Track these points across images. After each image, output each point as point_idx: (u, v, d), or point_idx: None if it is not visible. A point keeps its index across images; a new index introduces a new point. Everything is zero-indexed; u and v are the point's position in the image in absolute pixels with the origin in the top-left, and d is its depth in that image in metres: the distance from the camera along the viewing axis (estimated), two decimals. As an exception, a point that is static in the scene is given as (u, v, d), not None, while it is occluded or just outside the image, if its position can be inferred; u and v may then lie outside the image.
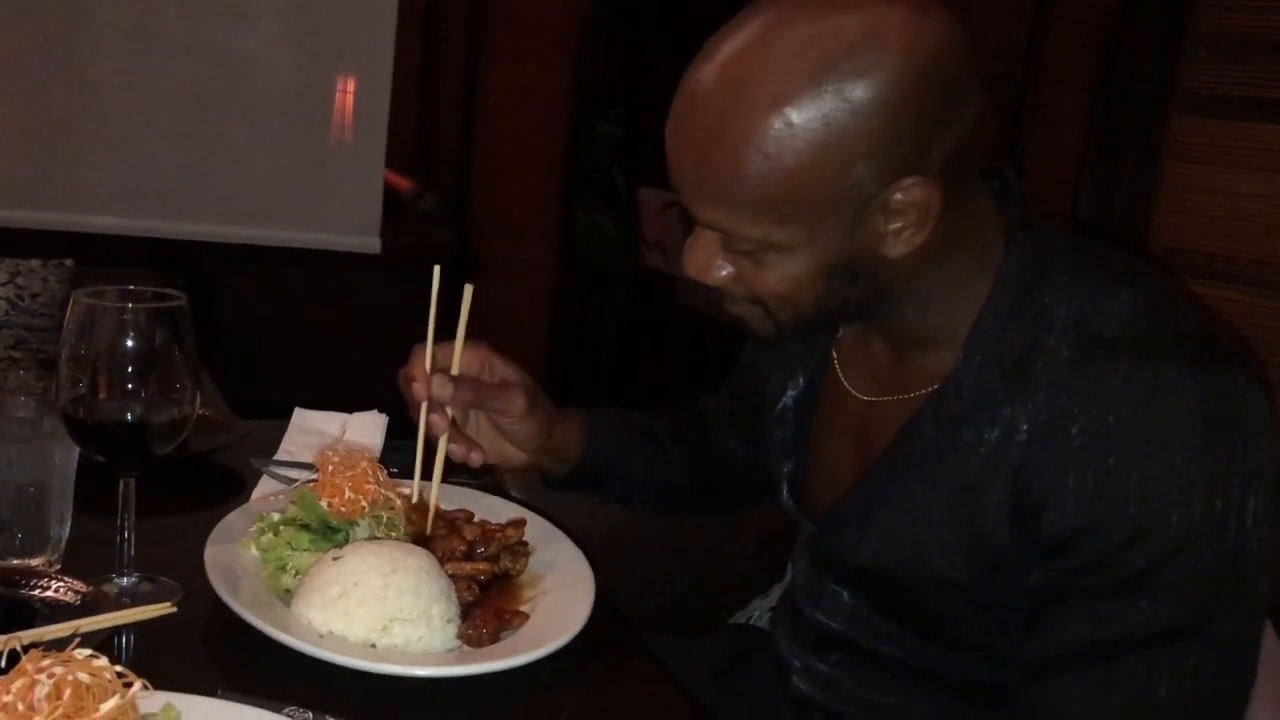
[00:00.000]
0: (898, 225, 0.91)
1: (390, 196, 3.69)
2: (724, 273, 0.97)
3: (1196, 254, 2.32)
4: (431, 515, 1.13)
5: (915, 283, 0.97)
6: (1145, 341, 0.90)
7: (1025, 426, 0.93)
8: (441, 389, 1.10)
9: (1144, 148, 2.37)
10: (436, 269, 1.11)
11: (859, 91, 0.85)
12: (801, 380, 1.19)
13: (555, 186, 4.22)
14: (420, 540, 1.09)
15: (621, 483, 1.33)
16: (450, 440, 1.13)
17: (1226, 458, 0.87)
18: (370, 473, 1.10)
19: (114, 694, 0.66)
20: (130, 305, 0.98)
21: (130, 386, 0.98)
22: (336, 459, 1.11)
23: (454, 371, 1.13)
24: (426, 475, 1.15)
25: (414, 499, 1.14)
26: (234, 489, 1.30)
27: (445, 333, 1.14)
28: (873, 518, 1.05)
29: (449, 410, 1.12)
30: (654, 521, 1.68)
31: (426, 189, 4.07)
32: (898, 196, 0.89)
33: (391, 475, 1.28)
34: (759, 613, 1.70)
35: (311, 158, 3.40)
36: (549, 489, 1.31)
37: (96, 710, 0.64)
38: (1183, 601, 0.87)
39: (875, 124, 0.85)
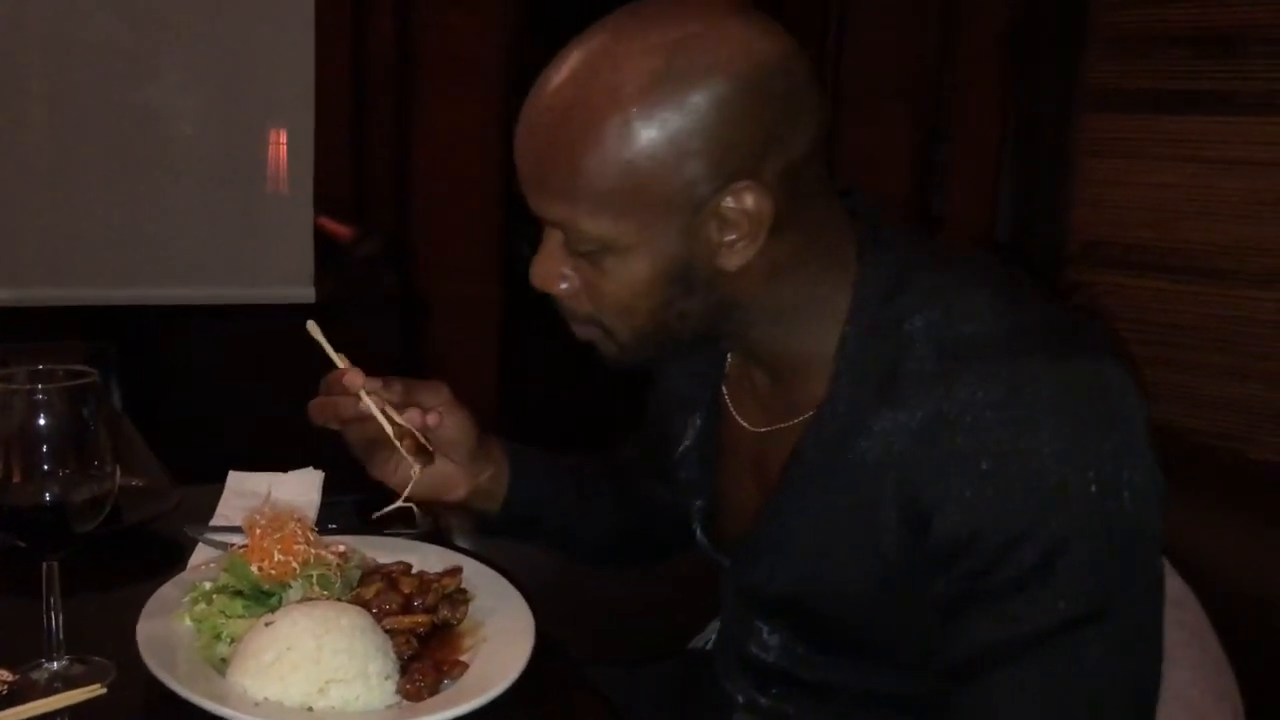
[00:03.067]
0: (731, 237, 0.93)
1: (329, 244, 3.66)
2: (566, 284, 0.99)
3: (1115, 245, 2.37)
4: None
5: (765, 300, 0.99)
6: (1000, 340, 0.92)
7: (901, 439, 0.94)
8: (370, 381, 1.09)
9: (1056, 145, 2.42)
10: (311, 323, 1.12)
11: (695, 93, 0.88)
12: (698, 419, 1.20)
13: (496, 222, 4.21)
14: (356, 598, 1.09)
15: (556, 524, 1.32)
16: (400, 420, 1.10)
17: (1096, 440, 0.89)
18: (299, 533, 1.10)
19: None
20: (40, 386, 0.97)
21: (46, 468, 0.96)
22: (264, 522, 1.10)
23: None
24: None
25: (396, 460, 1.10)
26: (170, 560, 1.28)
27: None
28: (779, 547, 1.06)
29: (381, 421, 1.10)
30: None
31: (366, 233, 4.05)
32: (729, 202, 0.91)
33: (329, 531, 1.27)
34: (714, 637, 1.70)
35: (240, 213, 3.38)
36: (486, 534, 1.31)
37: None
38: (1080, 589, 0.89)
39: (709, 124, 0.89)
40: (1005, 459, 0.89)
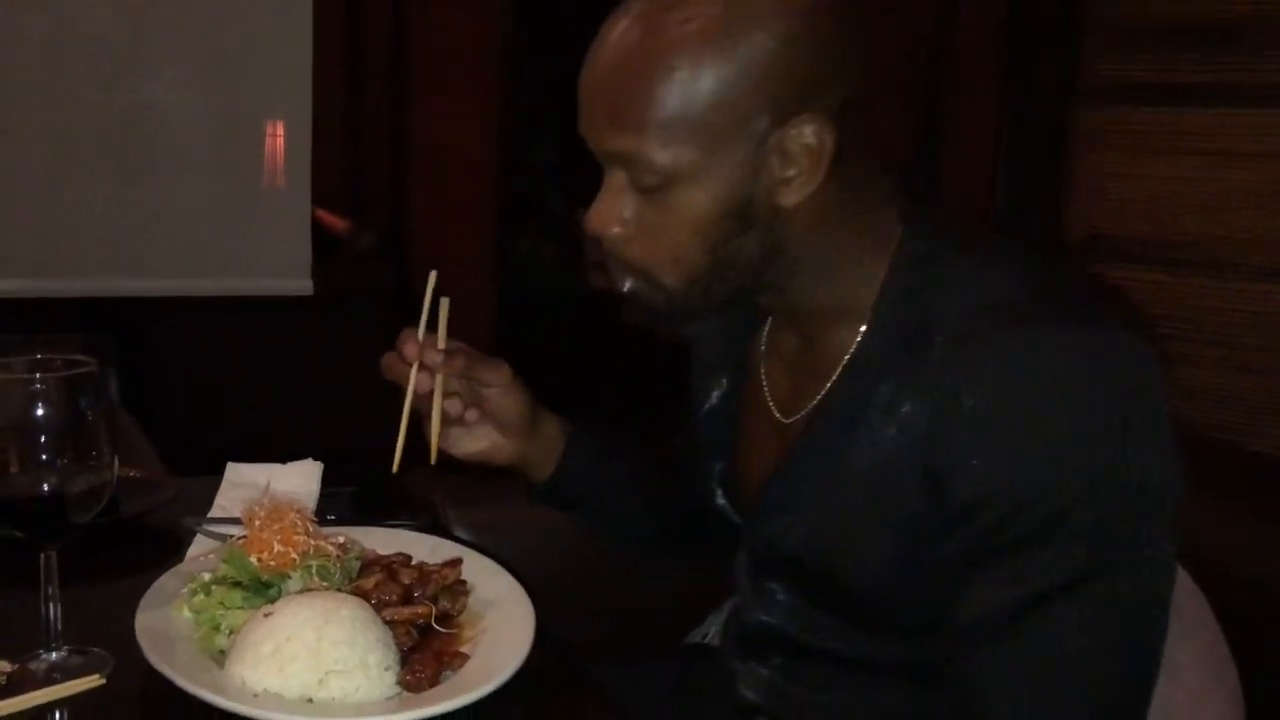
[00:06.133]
0: (791, 172, 0.96)
1: (327, 237, 3.65)
2: (620, 228, 1.01)
3: (1115, 238, 2.37)
4: (434, 456, 1.17)
5: (812, 247, 1.01)
6: (1021, 309, 0.94)
7: (927, 399, 0.96)
8: (432, 354, 1.13)
9: (1053, 137, 2.42)
10: (433, 274, 1.14)
11: (758, 25, 0.93)
12: (725, 381, 1.23)
13: (492, 216, 4.20)
14: (356, 589, 1.08)
15: (602, 511, 1.33)
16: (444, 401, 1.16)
17: (1110, 411, 0.91)
18: (299, 523, 1.09)
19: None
20: (38, 376, 0.96)
21: (44, 458, 0.96)
22: (263, 513, 1.09)
23: (440, 345, 1.15)
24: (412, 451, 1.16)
25: (395, 468, 1.15)
26: (168, 551, 1.28)
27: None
28: (794, 504, 1.07)
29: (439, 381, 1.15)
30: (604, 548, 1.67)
31: (363, 227, 4.04)
32: (792, 134, 0.95)
33: (328, 522, 1.27)
34: (715, 629, 1.70)
35: (237, 205, 3.37)
36: (536, 503, 1.31)
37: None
38: (1082, 551, 0.90)
39: (772, 56, 0.94)
40: (1023, 424, 0.91)
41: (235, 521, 1.33)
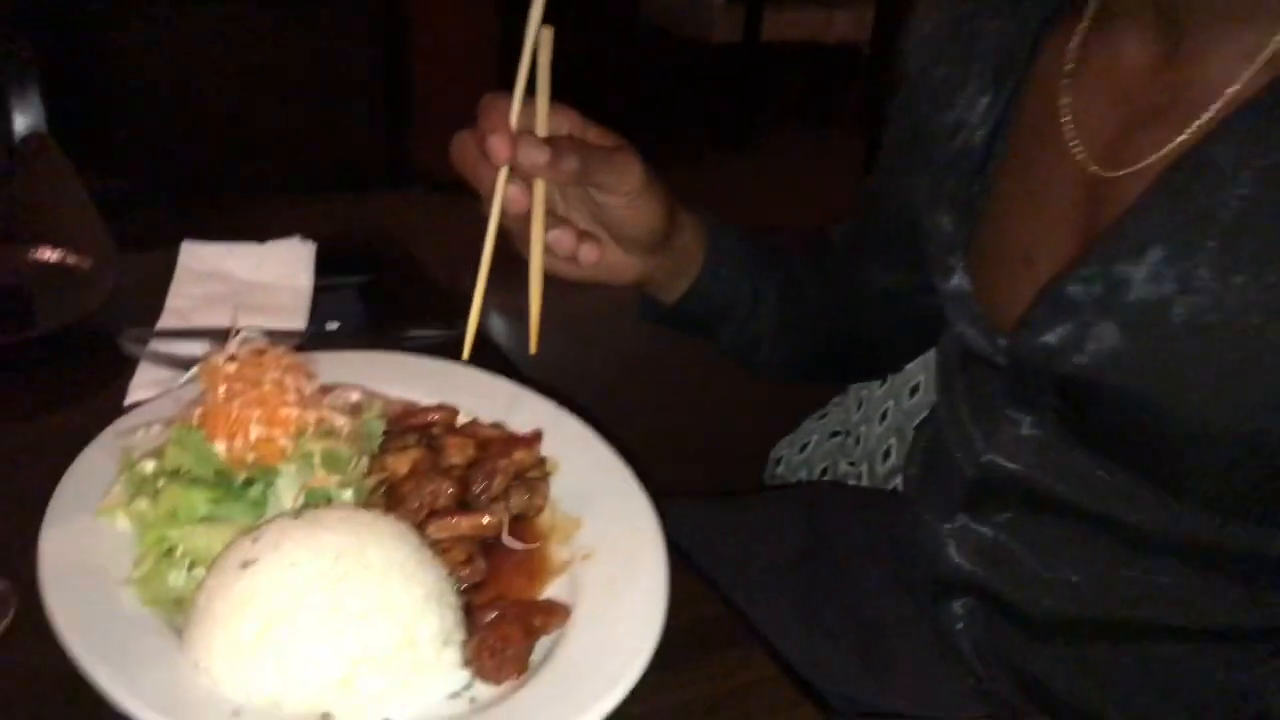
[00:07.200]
0: None
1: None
2: None
3: None
4: (534, 338, 0.75)
5: None
6: None
7: None
8: (533, 152, 0.72)
9: None
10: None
11: None
12: (984, 112, 0.84)
13: None
14: (391, 492, 0.70)
15: (747, 320, 0.97)
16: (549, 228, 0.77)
17: None
18: (287, 385, 0.69)
19: None
20: None
21: None
22: (230, 370, 0.69)
23: (540, 132, 0.74)
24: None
25: (466, 351, 0.73)
26: (101, 390, 0.88)
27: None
28: (1116, 300, 0.71)
29: (539, 193, 0.75)
30: (665, 355, 1.30)
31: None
32: None
33: (323, 334, 0.89)
34: (815, 439, 1.35)
35: None
36: (648, 320, 0.96)
37: None
38: None
39: None
40: None
41: (197, 335, 0.95)
